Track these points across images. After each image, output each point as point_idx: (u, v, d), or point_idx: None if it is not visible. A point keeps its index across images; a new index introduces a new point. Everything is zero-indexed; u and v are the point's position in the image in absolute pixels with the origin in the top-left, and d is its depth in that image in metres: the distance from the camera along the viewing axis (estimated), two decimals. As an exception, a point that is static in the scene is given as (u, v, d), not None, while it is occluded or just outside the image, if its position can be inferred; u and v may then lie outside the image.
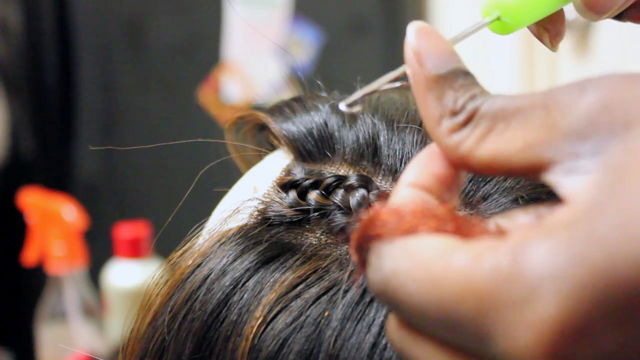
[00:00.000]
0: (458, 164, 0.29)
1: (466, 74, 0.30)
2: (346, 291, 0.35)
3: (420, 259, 0.26)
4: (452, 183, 0.30)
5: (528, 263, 0.24)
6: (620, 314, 0.23)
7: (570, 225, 0.24)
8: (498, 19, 0.39)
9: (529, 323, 0.23)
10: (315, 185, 0.40)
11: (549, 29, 0.42)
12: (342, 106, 0.33)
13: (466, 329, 0.25)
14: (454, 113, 0.28)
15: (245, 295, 0.37)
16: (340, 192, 0.39)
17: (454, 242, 0.26)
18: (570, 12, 0.42)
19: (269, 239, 0.38)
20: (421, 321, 0.26)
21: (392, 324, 0.28)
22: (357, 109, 0.34)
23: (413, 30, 0.31)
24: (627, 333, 0.23)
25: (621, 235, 0.23)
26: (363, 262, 0.28)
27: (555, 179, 0.26)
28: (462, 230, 0.27)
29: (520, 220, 0.29)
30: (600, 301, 0.23)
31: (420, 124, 0.42)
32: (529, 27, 0.43)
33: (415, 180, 0.30)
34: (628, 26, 0.44)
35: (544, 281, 0.23)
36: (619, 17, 0.42)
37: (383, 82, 0.34)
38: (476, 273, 0.24)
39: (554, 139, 0.26)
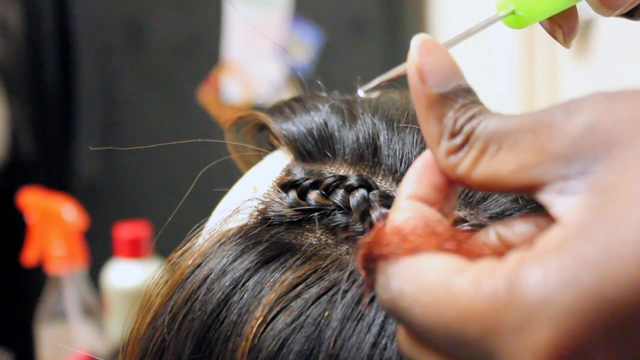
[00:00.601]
0: (456, 182, 0.30)
1: (467, 92, 0.30)
2: (346, 291, 0.35)
3: (424, 282, 0.27)
4: (449, 191, 0.31)
5: (523, 289, 0.25)
6: (612, 335, 0.24)
7: (560, 249, 0.25)
8: (512, 12, 0.39)
9: (527, 347, 0.25)
10: (315, 185, 0.40)
11: (562, 25, 0.43)
12: (361, 92, 0.35)
13: (472, 348, 0.26)
14: (453, 134, 0.29)
15: (245, 295, 0.37)
16: (340, 192, 0.39)
17: (455, 262, 0.27)
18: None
19: (269, 239, 0.38)
20: (429, 338, 0.27)
21: (402, 335, 0.29)
22: (374, 95, 0.35)
23: (416, 45, 0.31)
24: (619, 352, 0.24)
25: (607, 258, 0.24)
26: (371, 280, 0.30)
27: (547, 198, 0.27)
28: (463, 248, 0.28)
29: (519, 229, 0.30)
30: (591, 324, 0.24)
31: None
32: (542, 24, 0.43)
33: (414, 192, 0.31)
34: (628, 26, 0.44)
35: (538, 307, 0.25)
36: (630, 15, 0.42)
37: (400, 70, 0.35)
38: (477, 298, 0.26)
39: (543, 162, 0.27)
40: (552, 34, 0.43)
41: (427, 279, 0.27)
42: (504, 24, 0.40)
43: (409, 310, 0.27)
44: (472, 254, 0.28)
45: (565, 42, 0.43)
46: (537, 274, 0.25)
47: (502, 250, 0.28)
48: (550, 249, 0.25)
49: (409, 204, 0.30)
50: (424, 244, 0.28)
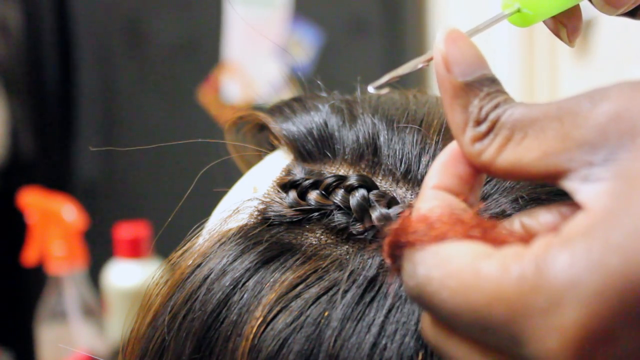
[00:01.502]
0: (480, 170, 0.31)
1: (492, 81, 0.31)
2: (346, 291, 0.35)
3: (451, 267, 0.28)
4: (474, 182, 0.31)
5: (551, 272, 0.25)
6: (638, 317, 0.25)
7: (587, 233, 0.26)
8: (518, 10, 0.39)
9: (555, 329, 0.25)
10: (315, 185, 0.40)
11: (566, 24, 0.44)
12: (370, 88, 0.36)
13: (498, 332, 0.26)
14: (478, 122, 0.30)
15: (245, 295, 0.37)
16: (340, 192, 0.39)
17: (481, 248, 0.28)
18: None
19: (269, 239, 0.38)
20: (455, 323, 0.28)
21: (427, 322, 0.30)
22: (384, 91, 0.36)
23: (442, 35, 0.32)
24: None
25: (634, 242, 0.25)
26: (397, 268, 0.30)
27: (572, 185, 0.28)
28: (489, 235, 0.29)
29: (544, 219, 0.30)
30: (618, 305, 0.24)
31: (420, 124, 0.42)
32: (546, 24, 0.43)
33: (439, 183, 0.31)
34: (628, 26, 0.44)
35: (566, 290, 0.25)
36: (632, 14, 0.43)
37: (410, 67, 0.35)
38: (504, 282, 0.26)
39: (568, 149, 0.28)
40: (557, 33, 0.44)
41: (455, 264, 0.28)
42: (509, 22, 0.40)
43: (436, 296, 0.28)
44: (498, 241, 0.28)
45: (570, 41, 0.44)
46: (565, 258, 0.25)
47: (527, 238, 0.28)
48: (576, 234, 0.26)
49: (435, 194, 0.31)
50: (451, 231, 0.29)
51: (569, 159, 0.28)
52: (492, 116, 0.30)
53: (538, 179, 0.29)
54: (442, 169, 0.31)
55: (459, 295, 0.27)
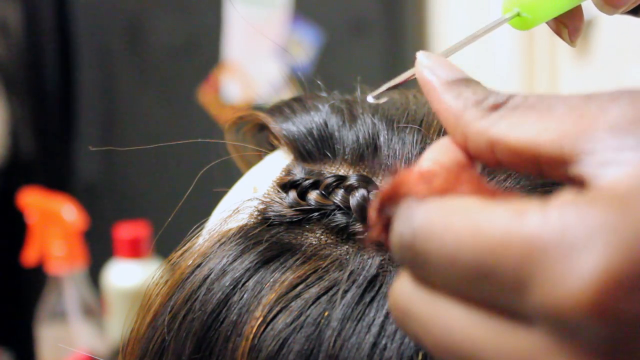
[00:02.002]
0: (481, 152, 0.29)
1: (477, 81, 0.30)
2: (346, 291, 0.35)
3: (457, 208, 0.26)
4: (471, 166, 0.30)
5: (579, 216, 0.23)
6: None
7: (623, 194, 0.24)
8: (518, 14, 0.40)
9: (577, 270, 0.23)
10: (315, 185, 0.40)
11: (567, 24, 0.44)
12: (370, 98, 0.35)
13: (502, 278, 0.24)
14: (478, 102, 0.29)
15: (245, 295, 0.37)
16: (340, 192, 0.39)
17: (488, 200, 0.26)
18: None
19: (269, 239, 0.38)
20: (449, 274, 0.26)
21: (406, 284, 0.28)
22: (383, 100, 0.35)
23: (422, 53, 0.32)
24: None
25: None
26: (383, 224, 0.28)
27: (588, 170, 0.26)
28: (497, 195, 0.27)
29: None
30: None
31: (420, 124, 0.42)
32: (548, 24, 0.43)
33: (437, 159, 0.30)
34: (628, 26, 0.44)
35: (596, 232, 0.23)
36: (635, 12, 0.43)
37: (408, 76, 0.35)
38: (524, 222, 0.24)
39: (595, 130, 0.26)
40: (558, 33, 0.44)
41: (462, 206, 0.26)
42: (510, 25, 0.41)
43: (436, 238, 0.26)
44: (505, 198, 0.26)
45: (571, 41, 0.44)
46: (598, 205, 0.23)
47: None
48: (608, 193, 0.24)
49: (431, 159, 0.30)
50: (454, 186, 0.27)
51: (594, 140, 0.26)
52: (494, 97, 0.29)
53: (544, 162, 0.27)
54: (439, 150, 0.30)
55: (466, 235, 0.25)
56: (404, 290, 0.28)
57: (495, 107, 0.29)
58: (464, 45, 0.38)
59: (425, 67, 0.31)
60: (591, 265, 0.23)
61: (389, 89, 0.36)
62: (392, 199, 0.28)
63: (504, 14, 0.40)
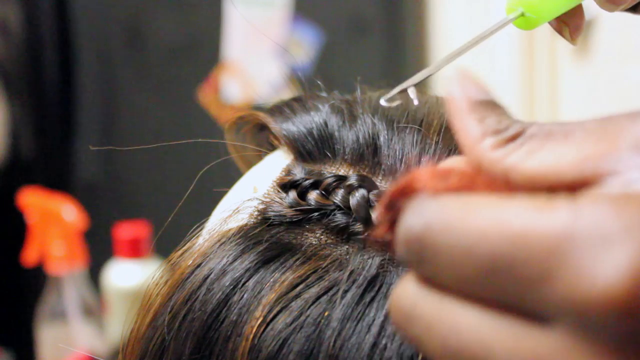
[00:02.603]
0: (494, 179, 0.28)
1: (504, 108, 0.30)
2: (346, 291, 0.35)
3: (480, 203, 0.25)
4: None
5: (615, 210, 0.23)
6: None
7: None
8: (522, 14, 0.40)
9: (609, 265, 0.22)
10: (315, 185, 0.40)
11: (568, 23, 0.44)
12: (382, 101, 0.35)
13: (522, 272, 0.23)
14: (498, 131, 0.28)
15: (245, 295, 0.37)
16: (340, 192, 0.39)
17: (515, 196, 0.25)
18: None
19: (269, 239, 0.38)
20: (462, 267, 0.24)
21: (409, 283, 0.27)
22: (396, 103, 0.35)
23: (458, 69, 0.31)
24: None
25: None
26: (391, 220, 0.27)
27: (613, 191, 0.25)
28: (519, 194, 0.26)
29: None
30: None
31: (420, 124, 0.42)
32: (549, 23, 0.44)
33: (453, 165, 0.29)
34: (628, 26, 0.45)
35: (632, 227, 0.22)
36: (634, 10, 0.43)
37: (420, 78, 0.35)
38: (553, 214, 0.23)
39: (617, 150, 0.25)
40: (560, 32, 0.44)
41: (482, 200, 0.25)
42: (514, 25, 0.41)
43: (451, 229, 0.24)
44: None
45: (572, 40, 0.44)
46: (636, 204, 0.22)
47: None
48: None
49: (447, 164, 0.29)
50: (471, 185, 0.26)
51: (616, 160, 0.25)
52: (515, 127, 0.28)
53: (563, 186, 0.26)
54: (453, 160, 0.30)
55: (483, 227, 0.24)
56: (407, 290, 0.27)
57: (514, 138, 0.28)
58: (471, 46, 0.38)
59: (456, 82, 0.30)
60: (624, 259, 0.22)
61: (402, 91, 0.36)
62: (404, 194, 0.27)
63: (508, 15, 0.40)
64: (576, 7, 0.43)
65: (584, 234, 0.22)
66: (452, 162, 0.30)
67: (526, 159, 0.27)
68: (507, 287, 0.24)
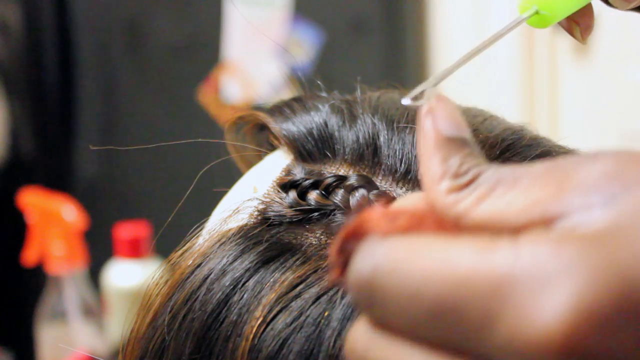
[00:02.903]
0: (446, 220, 0.28)
1: (473, 146, 0.29)
2: (346, 291, 0.35)
3: (425, 244, 0.25)
4: None
5: (553, 250, 0.23)
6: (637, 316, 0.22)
7: (594, 234, 0.23)
8: (536, 12, 0.40)
9: (548, 306, 0.22)
10: (315, 185, 0.40)
11: (579, 22, 0.44)
12: (406, 100, 0.34)
13: (466, 315, 0.23)
14: (457, 175, 0.28)
15: (245, 295, 0.37)
16: (340, 192, 0.39)
17: (453, 237, 0.25)
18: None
19: (269, 239, 0.38)
20: (410, 311, 0.24)
21: (362, 328, 0.27)
22: (419, 102, 0.35)
23: (436, 97, 0.31)
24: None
25: None
26: (343, 262, 0.27)
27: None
28: (464, 234, 0.26)
29: None
30: (624, 295, 0.22)
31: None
32: (559, 22, 0.44)
33: (405, 205, 0.29)
34: (628, 26, 0.45)
35: (570, 267, 0.22)
36: (639, 9, 0.43)
37: (442, 76, 0.35)
38: (493, 256, 0.23)
39: (564, 192, 0.25)
40: (570, 31, 0.44)
41: (427, 241, 0.25)
42: (527, 24, 0.41)
43: (396, 274, 0.24)
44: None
45: (583, 39, 0.44)
46: (573, 244, 0.23)
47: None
48: (583, 234, 0.23)
49: (399, 205, 0.29)
50: (419, 225, 0.27)
51: (563, 203, 0.25)
52: (473, 171, 0.28)
53: (514, 231, 0.26)
54: (406, 199, 0.30)
55: (428, 270, 0.24)
56: (360, 335, 0.26)
57: (468, 184, 0.27)
58: (489, 44, 0.37)
59: (429, 113, 0.30)
60: (563, 300, 0.22)
61: (424, 91, 0.35)
62: (353, 237, 0.27)
63: (522, 13, 0.40)
64: (586, 6, 0.43)
65: (524, 275, 0.23)
66: (413, 198, 0.30)
67: (473, 208, 0.27)
68: (452, 331, 0.24)
